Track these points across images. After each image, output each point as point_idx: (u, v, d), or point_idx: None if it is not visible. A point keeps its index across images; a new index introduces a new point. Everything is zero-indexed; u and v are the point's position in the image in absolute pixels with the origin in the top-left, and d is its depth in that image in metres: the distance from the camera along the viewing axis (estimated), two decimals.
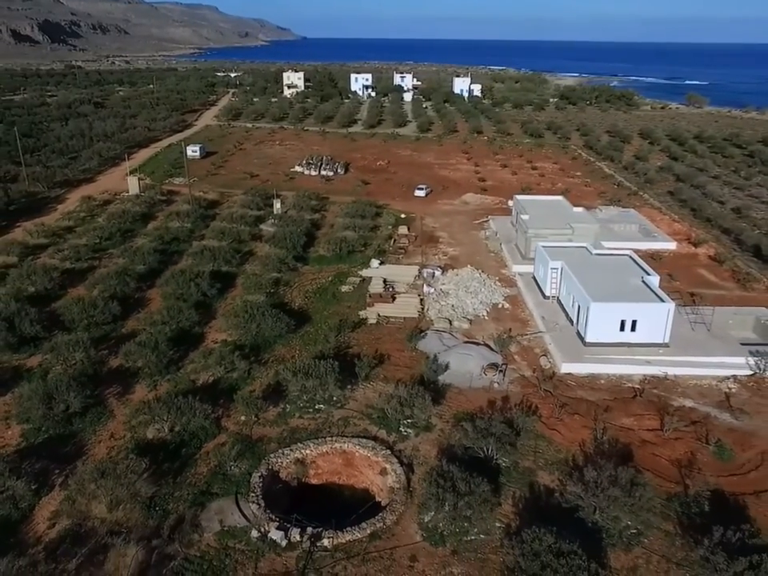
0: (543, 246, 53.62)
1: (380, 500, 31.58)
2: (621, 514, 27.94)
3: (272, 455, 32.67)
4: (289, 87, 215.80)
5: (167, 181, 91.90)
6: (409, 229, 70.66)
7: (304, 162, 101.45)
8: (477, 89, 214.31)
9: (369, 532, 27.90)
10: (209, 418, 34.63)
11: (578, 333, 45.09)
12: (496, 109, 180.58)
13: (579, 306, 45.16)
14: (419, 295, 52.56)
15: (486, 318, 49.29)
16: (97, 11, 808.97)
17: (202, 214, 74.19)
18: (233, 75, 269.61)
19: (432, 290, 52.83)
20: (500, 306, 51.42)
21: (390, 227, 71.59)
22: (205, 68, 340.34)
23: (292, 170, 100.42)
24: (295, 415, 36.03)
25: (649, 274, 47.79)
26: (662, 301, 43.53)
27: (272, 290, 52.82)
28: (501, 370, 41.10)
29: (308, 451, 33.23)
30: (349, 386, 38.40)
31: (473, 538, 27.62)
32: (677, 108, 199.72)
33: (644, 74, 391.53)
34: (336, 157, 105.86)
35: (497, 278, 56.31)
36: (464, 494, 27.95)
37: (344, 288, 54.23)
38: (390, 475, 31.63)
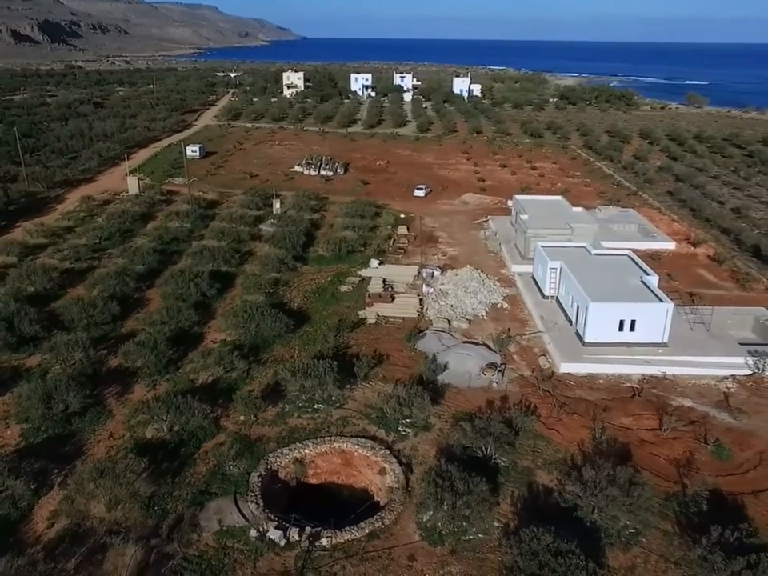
0: (542, 246, 53.66)
1: (379, 500, 31.61)
2: (619, 514, 27.96)
3: (271, 455, 32.70)
4: (288, 87, 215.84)
5: (167, 181, 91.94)
6: (408, 229, 70.70)
7: (303, 161, 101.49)
8: (476, 89, 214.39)
9: (367, 531, 27.93)
10: (208, 418, 34.67)
11: (577, 333, 45.12)
12: (496, 109, 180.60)
13: (578, 306, 45.19)
14: (418, 295, 52.59)
15: (485, 317, 49.32)
16: (97, 11, 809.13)
17: (202, 213, 74.21)
18: (233, 75, 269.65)
19: (431, 290, 52.85)
20: (499, 305, 51.44)
21: (389, 227, 71.63)
22: (205, 68, 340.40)
23: (291, 169, 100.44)
24: (294, 415, 36.07)
25: (648, 274, 47.81)
26: (661, 301, 43.56)
27: (271, 290, 52.85)
28: (500, 370, 41.13)
29: (307, 451, 33.27)
30: (348, 386, 38.43)
31: (471, 537, 27.65)
32: (676, 108, 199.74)
33: (644, 74, 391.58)
34: (335, 157, 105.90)
35: (496, 278, 56.33)
36: (462, 494, 27.99)
37: (343, 288, 54.26)
38: (389, 475, 31.66)
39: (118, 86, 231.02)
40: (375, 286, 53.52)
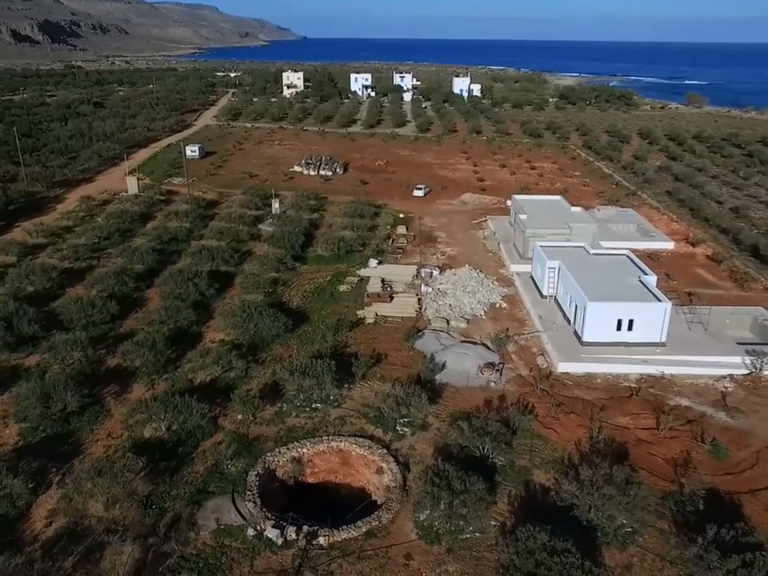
0: (541, 246, 53.71)
1: (376, 498, 31.68)
2: (616, 513, 28.01)
3: (269, 454, 32.76)
4: (288, 87, 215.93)
5: (166, 181, 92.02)
6: (407, 228, 70.77)
7: (303, 161, 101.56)
8: (476, 89, 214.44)
9: (364, 530, 27.99)
10: (206, 417, 34.73)
11: (575, 332, 45.18)
12: (495, 109, 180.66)
13: (576, 306, 45.25)
14: (417, 295, 52.65)
15: (484, 317, 49.38)
16: (97, 11, 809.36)
17: (201, 213, 74.28)
18: (232, 75, 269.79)
19: (430, 290, 52.91)
20: (497, 305, 51.50)
21: (388, 227, 71.70)
22: (205, 68, 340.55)
23: (291, 169, 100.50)
24: (292, 414, 36.13)
25: (646, 274, 47.86)
26: (659, 300, 43.62)
27: (270, 290, 52.91)
28: (498, 369, 41.18)
29: (305, 450, 33.33)
30: (346, 386, 38.48)
31: (468, 536, 27.71)
32: (676, 108, 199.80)
33: (644, 73, 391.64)
34: (335, 157, 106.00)
35: (494, 278, 56.40)
36: (459, 493, 28.06)
37: (342, 287, 54.32)
38: (386, 474, 31.72)
39: (118, 85, 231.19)
40: (374, 286, 53.58)
